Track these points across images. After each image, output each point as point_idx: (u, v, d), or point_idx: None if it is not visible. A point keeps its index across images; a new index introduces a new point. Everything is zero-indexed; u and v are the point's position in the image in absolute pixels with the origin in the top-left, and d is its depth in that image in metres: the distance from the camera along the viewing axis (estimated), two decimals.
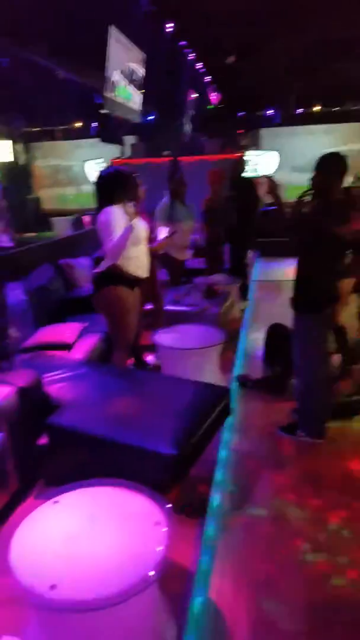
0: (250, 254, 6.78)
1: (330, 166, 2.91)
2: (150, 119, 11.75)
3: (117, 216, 3.21)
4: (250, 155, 11.04)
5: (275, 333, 3.91)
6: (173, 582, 1.98)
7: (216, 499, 2.62)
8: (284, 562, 2.22)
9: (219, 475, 2.83)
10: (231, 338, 4.43)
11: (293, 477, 2.83)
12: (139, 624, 1.53)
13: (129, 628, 1.50)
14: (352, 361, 3.65)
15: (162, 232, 4.00)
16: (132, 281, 3.41)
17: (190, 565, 2.16)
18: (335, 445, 3.12)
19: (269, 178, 3.14)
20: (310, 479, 2.80)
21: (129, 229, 3.17)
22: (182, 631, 1.83)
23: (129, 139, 11.42)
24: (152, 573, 1.39)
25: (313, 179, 2.95)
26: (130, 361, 3.98)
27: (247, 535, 2.38)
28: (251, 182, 5.89)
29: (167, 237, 4.01)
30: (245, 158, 7.40)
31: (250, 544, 2.33)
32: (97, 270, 3.44)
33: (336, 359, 3.60)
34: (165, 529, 1.57)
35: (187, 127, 12.05)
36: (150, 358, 4.20)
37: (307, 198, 3.06)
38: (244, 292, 5.98)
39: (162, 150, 10.29)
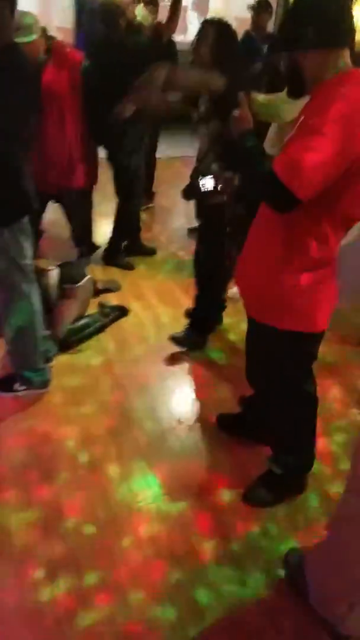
0: None
1: None
2: None
3: None
4: None
5: None
6: None
7: None
8: (9, 619, 1.52)
9: None
10: None
11: (13, 461, 2.05)
12: None
13: None
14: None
15: None
16: None
17: None
18: (64, 393, 2.44)
19: None
20: (36, 457, 2.07)
21: None
22: None
23: None
24: None
25: None
26: None
27: None
28: None
29: None
30: None
31: None
32: None
33: (53, 275, 2.77)
34: None
35: None
36: None
37: None
38: None
39: None
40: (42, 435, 2.18)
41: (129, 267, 3.72)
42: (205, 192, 2.21)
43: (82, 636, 1.49)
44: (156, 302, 3.30)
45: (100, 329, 2.90)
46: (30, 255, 2.18)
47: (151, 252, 4.01)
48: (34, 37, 2.82)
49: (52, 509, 1.86)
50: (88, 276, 2.95)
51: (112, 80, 3.11)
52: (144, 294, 3.38)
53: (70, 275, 2.87)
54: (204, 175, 2.22)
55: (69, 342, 2.71)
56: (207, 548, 1.77)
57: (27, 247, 2.12)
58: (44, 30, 2.99)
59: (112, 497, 1.93)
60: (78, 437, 2.19)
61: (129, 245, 3.89)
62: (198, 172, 2.39)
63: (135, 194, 3.63)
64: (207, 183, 2.19)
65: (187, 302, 3.19)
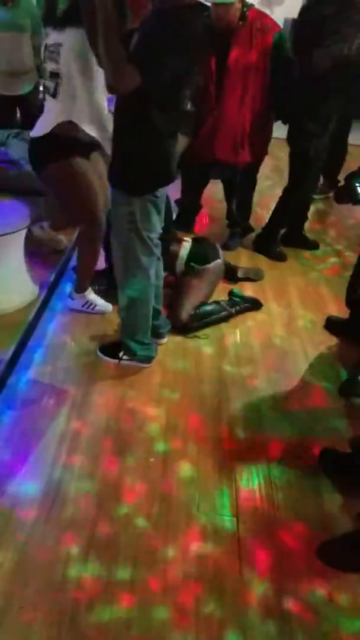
0: None
1: None
2: None
3: None
4: None
5: None
6: None
7: None
8: (33, 579, 1.51)
9: None
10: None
11: (91, 426, 2.04)
12: None
13: None
14: None
15: None
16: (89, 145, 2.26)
17: None
18: (164, 374, 2.34)
19: None
20: (115, 429, 2.02)
21: None
22: None
23: None
24: None
25: None
26: None
27: None
28: None
29: None
30: None
31: None
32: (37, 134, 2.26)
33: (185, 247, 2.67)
34: None
35: None
36: None
37: None
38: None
39: None
40: (128, 409, 2.13)
41: (280, 258, 3.44)
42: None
43: (90, 628, 1.41)
44: (297, 303, 2.99)
45: (225, 319, 2.73)
46: (158, 230, 2.10)
47: (313, 245, 3.65)
48: (233, 0, 2.70)
49: (112, 489, 1.80)
50: (219, 260, 2.80)
51: (306, 57, 2.85)
52: (285, 291, 3.09)
53: (202, 255, 2.75)
54: None
55: (189, 327, 2.60)
56: (257, 592, 1.53)
57: (156, 221, 2.04)
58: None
59: (175, 499, 1.78)
60: (162, 422, 2.08)
61: (288, 235, 3.60)
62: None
63: (307, 181, 3.30)
64: None
65: (334, 312, 2.83)
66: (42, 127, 2.23)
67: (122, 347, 2.31)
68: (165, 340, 2.51)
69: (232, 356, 2.50)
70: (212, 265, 2.74)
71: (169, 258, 2.69)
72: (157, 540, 1.64)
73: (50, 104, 2.20)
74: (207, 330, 2.64)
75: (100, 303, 2.67)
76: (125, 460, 1.90)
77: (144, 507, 1.74)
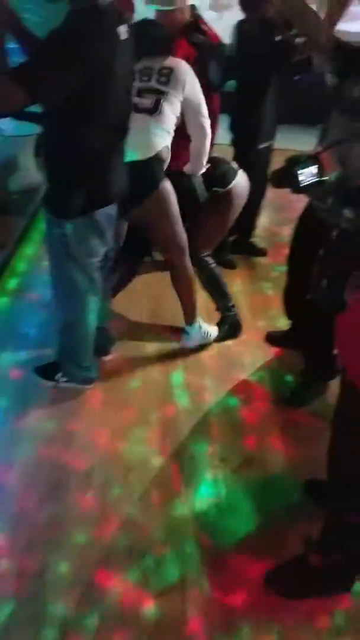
0: None
1: None
2: None
3: None
4: None
5: None
6: None
7: None
8: None
9: None
10: None
11: (24, 457, 1.85)
12: None
13: None
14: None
15: None
16: None
17: None
18: (106, 395, 2.18)
19: None
20: (49, 462, 1.84)
21: None
22: None
23: None
24: None
25: None
26: None
27: None
28: None
29: None
30: None
31: None
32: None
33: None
34: None
35: None
36: None
37: None
38: None
39: None
40: (66, 437, 1.95)
41: (230, 266, 3.34)
42: (303, 185, 1.69)
43: None
44: (246, 311, 2.88)
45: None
46: (99, 253, 1.86)
47: (261, 253, 3.58)
48: (171, 8, 2.54)
49: (43, 531, 1.62)
50: (239, 171, 2.45)
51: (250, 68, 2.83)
52: (234, 299, 2.97)
53: (221, 175, 2.42)
54: (307, 163, 1.69)
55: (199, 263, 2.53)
56: None
57: (95, 245, 1.81)
58: (192, 7, 2.70)
59: (119, 535, 1.62)
60: (103, 449, 1.92)
61: (236, 242, 3.50)
62: (301, 157, 1.85)
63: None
64: (308, 172, 1.67)
65: (284, 322, 2.71)
66: (148, 147, 2.12)
67: (60, 369, 2.12)
68: (110, 357, 2.35)
69: (181, 368, 2.37)
70: (235, 181, 2.42)
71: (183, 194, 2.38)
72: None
73: (146, 120, 2.12)
74: (157, 344, 2.50)
75: (211, 330, 2.55)
76: (61, 498, 1.73)
77: (87, 554, 1.57)
